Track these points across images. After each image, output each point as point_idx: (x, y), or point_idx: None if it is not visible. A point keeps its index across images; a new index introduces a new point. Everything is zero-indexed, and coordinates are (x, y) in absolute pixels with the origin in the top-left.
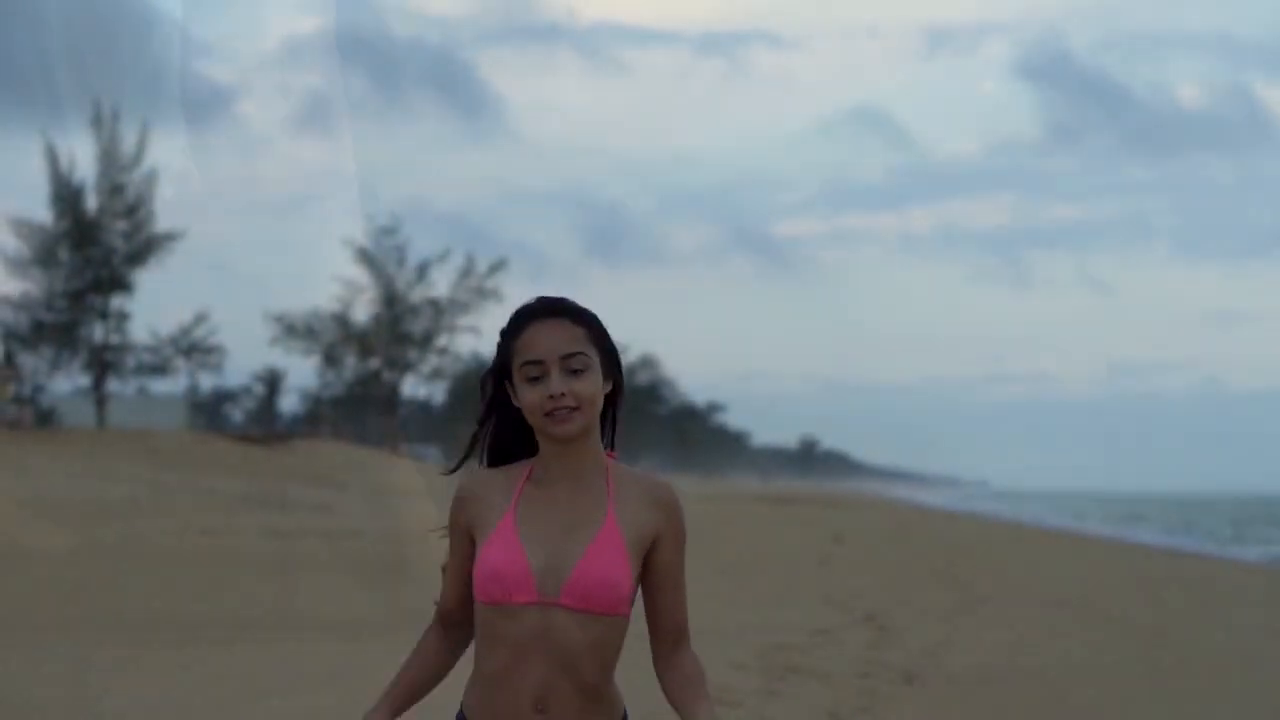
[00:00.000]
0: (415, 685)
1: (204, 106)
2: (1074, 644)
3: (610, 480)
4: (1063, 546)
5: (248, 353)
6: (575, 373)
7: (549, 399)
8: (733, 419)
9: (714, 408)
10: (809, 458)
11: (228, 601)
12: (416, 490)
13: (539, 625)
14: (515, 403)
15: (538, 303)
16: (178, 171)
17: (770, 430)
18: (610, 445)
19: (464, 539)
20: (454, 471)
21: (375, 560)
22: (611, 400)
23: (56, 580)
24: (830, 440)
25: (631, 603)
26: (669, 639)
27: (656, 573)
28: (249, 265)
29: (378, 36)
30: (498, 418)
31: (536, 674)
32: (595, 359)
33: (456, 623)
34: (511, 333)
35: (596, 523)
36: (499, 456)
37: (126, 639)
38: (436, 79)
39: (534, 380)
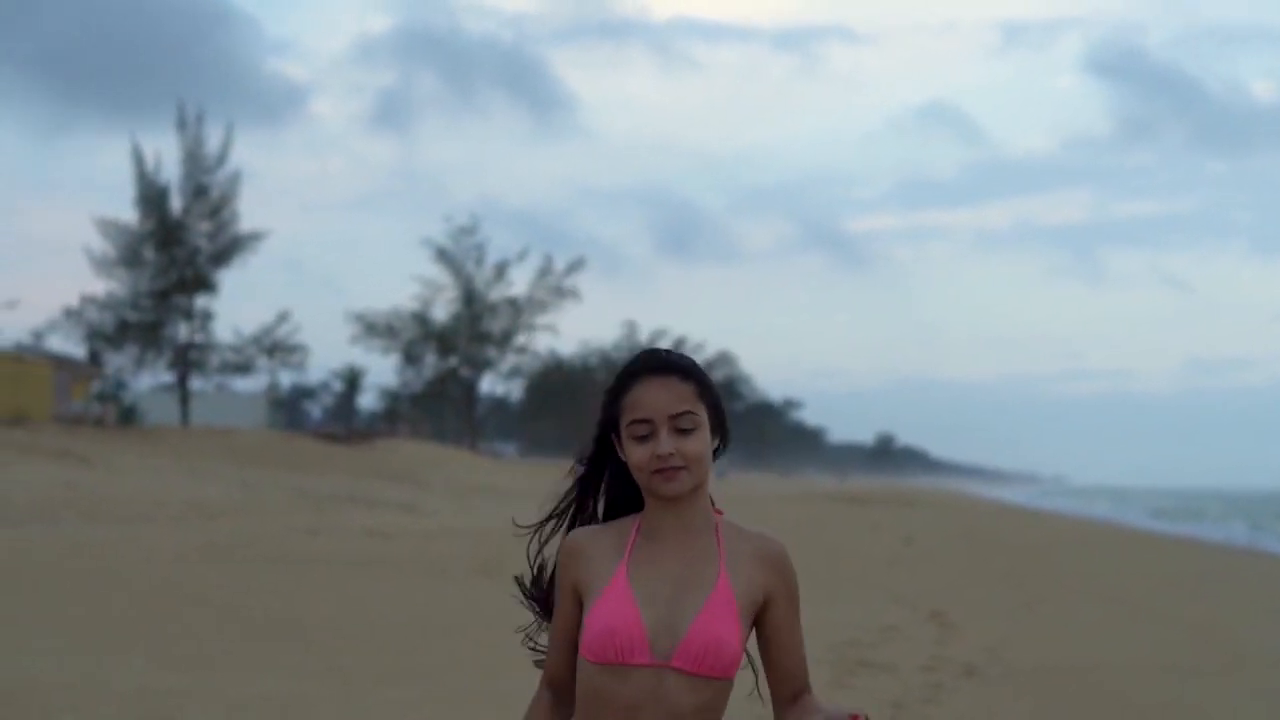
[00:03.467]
0: None
1: (279, 105)
2: (1127, 640)
3: (720, 538)
4: (1125, 544)
5: (323, 349)
6: (684, 431)
7: (657, 458)
8: (809, 416)
9: (790, 404)
10: (886, 454)
11: (338, 598)
12: (496, 488)
13: (650, 687)
14: (622, 458)
15: (645, 360)
16: (257, 170)
17: (847, 427)
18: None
19: (570, 597)
20: (545, 525)
21: (467, 559)
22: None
23: (174, 579)
24: (907, 437)
25: (739, 666)
26: (791, 690)
27: (771, 631)
28: (323, 263)
29: (450, 34)
30: (610, 472)
31: None
32: (704, 416)
33: (563, 687)
34: (619, 391)
35: (709, 583)
36: (613, 510)
37: (249, 633)
38: (509, 77)
39: (642, 439)
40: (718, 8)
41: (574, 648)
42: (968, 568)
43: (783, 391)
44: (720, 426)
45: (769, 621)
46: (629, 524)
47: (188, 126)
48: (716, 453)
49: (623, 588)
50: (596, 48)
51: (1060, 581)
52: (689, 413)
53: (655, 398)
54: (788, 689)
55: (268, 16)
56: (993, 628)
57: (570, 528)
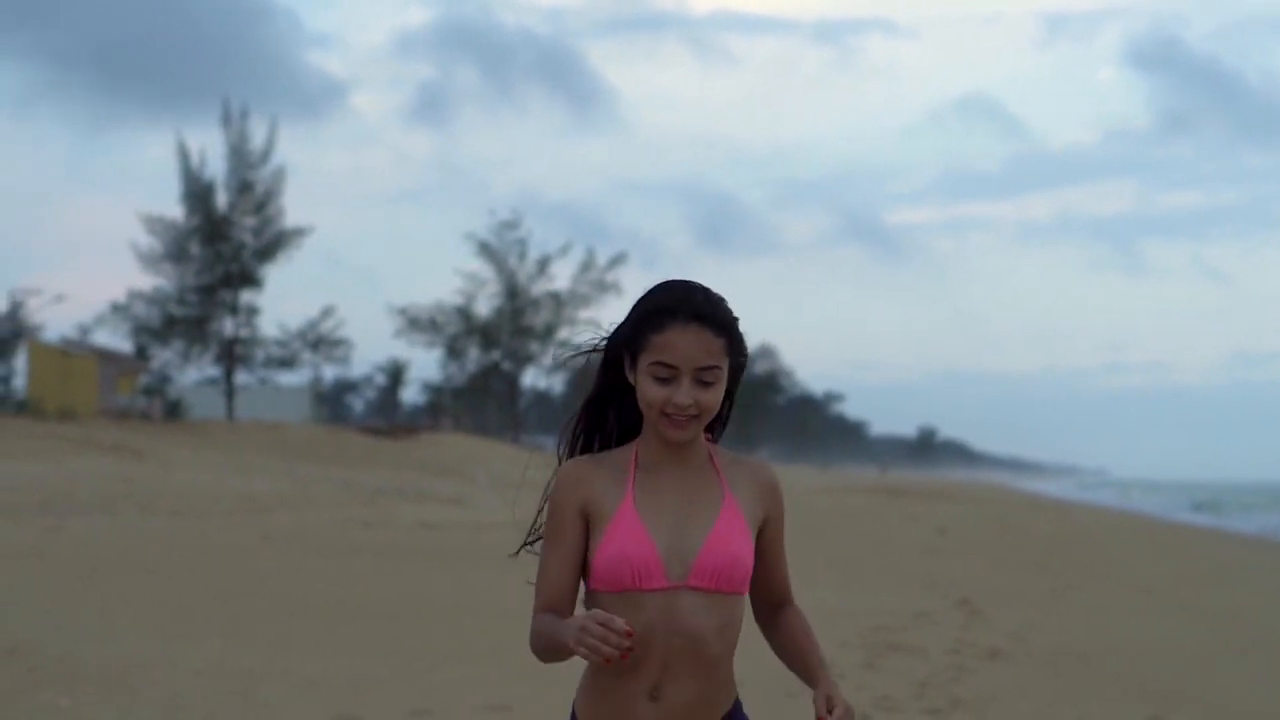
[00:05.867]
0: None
1: (319, 98)
2: (1149, 626)
3: (717, 464)
4: (1154, 535)
5: (365, 342)
6: (705, 384)
7: (673, 404)
8: (851, 408)
9: (832, 397)
10: (928, 447)
11: (395, 585)
12: (540, 482)
13: (664, 610)
14: (630, 379)
15: (684, 302)
16: (297, 164)
17: (888, 420)
18: (716, 435)
19: (576, 520)
20: (571, 454)
21: (512, 549)
22: (728, 393)
23: (238, 566)
24: (949, 430)
25: (749, 583)
26: (777, 600)
27: (763, 551)
28: (364, 256)
29: (487, 28)
30: (622, 396)
31: (656, 661)
32: (725, 368)
33: (561, 612)
34: (650, 325)
35: (716, 504)
36: (625, 437)
37: (313, 617)
38: (547, 70)
39: (661, 380)
40: (756, 0)
41: (577, 570)
42: (998, 557)
43: (824, 384)
44: (738, 371)
45: (763, 542)
46: (625, 455)
47: (232, 122)
48: (732, 392)
49: (631, 515)
50: (634, 41)
51: (1087, 570)
52: (714, 367)
53: (686, 347)
54: (774, 598)
55: (306, 10)
56: (1018, 614)
57: (587, 446)
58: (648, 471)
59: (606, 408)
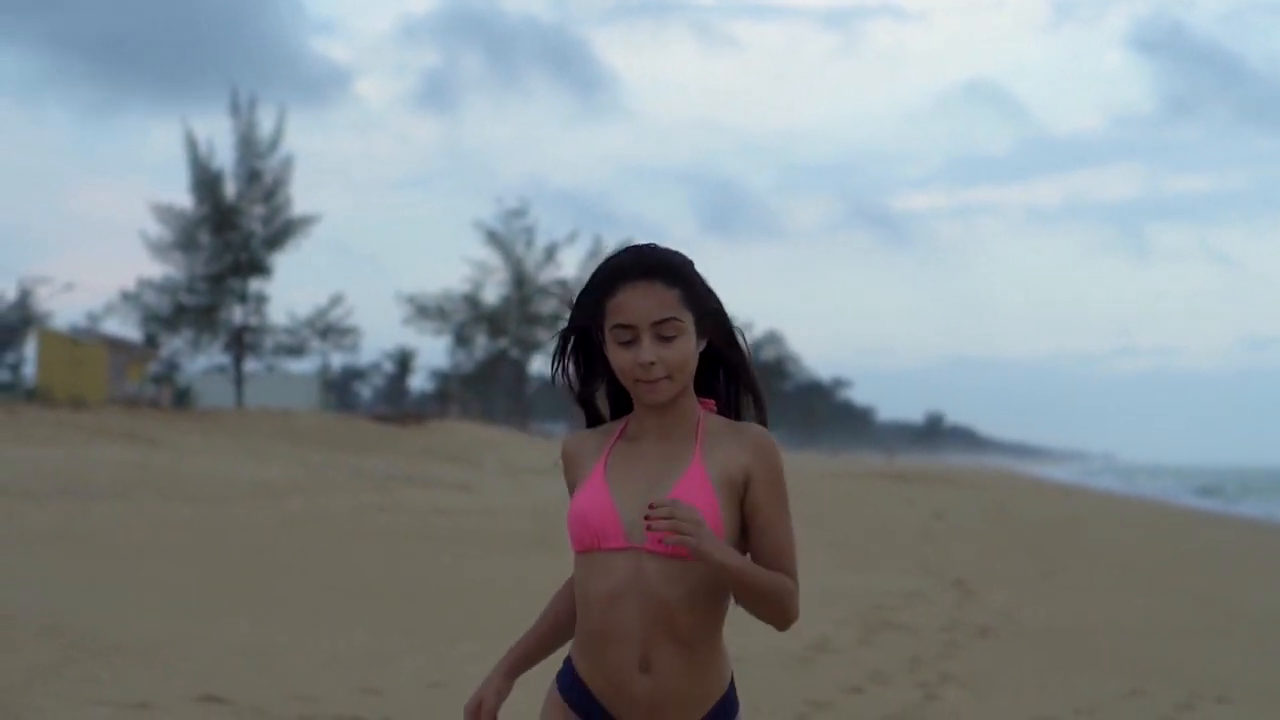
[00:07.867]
0: (536, 645)
1: (324, 85)
2: (1135, 606)
3: (700, 428)
4: (1148, 519)
5: (372, 329)
6: (666, 339)
7: (639, 366)
8: (858, 395)
9: (839, 383)
10: (935, 433)
11: (411, 567)
12: (546, 468)
13: (630, 573)
14: (606, 353)
15: (631, 259)
16: (302, 151)
17: (896, 406)
18: (735, 411)
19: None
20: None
21: (527, 533)
22: (730, 359)
23: (258, 549)
24: (956, 415)
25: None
26: None
27: (749, 512)
28: (369, 242)
29: (492, 14)
30: (604, 367)
31: (635, 629)
32: (689, 321)
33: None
34: (603, 290)
35: (682, 465)
36: (620, 408)
37: (333, 596)
38: (552, 56)
39: (625, 344)
40: None
41: None
42: (993, 540)
43: (831, 370)
44: (715, 327)
45: (747, 502)
46: (616, 426)
47: (241, 112)
48: (738, 360)
49: (598, 478)
50: (639, 27)
51: (1079, 553)
52: (672, 319)
53: (639, 303)
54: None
55: None
56: (1010, 594)
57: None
58: (629, 440)
59: (612, 387)
